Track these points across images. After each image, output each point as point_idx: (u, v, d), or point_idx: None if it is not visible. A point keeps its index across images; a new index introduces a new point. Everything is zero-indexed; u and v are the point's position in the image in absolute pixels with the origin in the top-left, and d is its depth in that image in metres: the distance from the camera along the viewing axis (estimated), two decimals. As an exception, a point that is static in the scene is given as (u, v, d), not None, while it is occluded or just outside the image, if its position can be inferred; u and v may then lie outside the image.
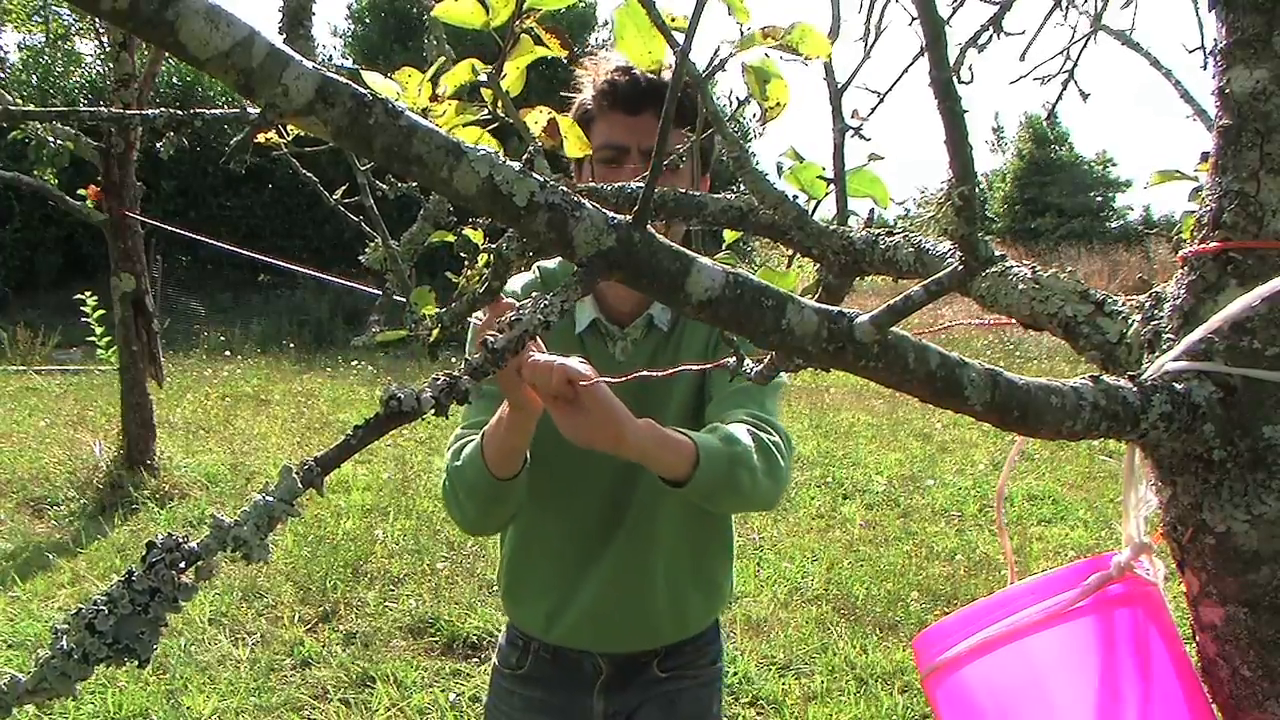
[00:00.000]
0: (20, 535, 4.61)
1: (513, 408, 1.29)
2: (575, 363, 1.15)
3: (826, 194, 0.75)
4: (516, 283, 1.55)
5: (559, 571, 1.55)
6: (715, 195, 0.76)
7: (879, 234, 0.72)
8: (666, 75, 1.34)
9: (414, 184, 0.74)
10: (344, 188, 0.87)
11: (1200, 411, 0.57)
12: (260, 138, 0.80)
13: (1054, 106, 1.34)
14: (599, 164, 1.42)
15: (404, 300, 0.81)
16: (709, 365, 1.11)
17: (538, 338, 1.26)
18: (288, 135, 0.84)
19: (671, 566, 1.53)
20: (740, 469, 1.28)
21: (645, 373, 1.17)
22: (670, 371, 1.16)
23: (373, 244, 0.81)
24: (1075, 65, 1.23)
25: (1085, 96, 1.29)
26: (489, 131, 0.73)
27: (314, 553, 4.25)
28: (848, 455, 6.43)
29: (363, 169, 0.78)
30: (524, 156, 0.50)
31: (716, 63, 0.65)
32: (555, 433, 1.43)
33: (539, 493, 1.51)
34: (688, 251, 0.46)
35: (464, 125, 0.72)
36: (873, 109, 0.78)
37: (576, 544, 1.55)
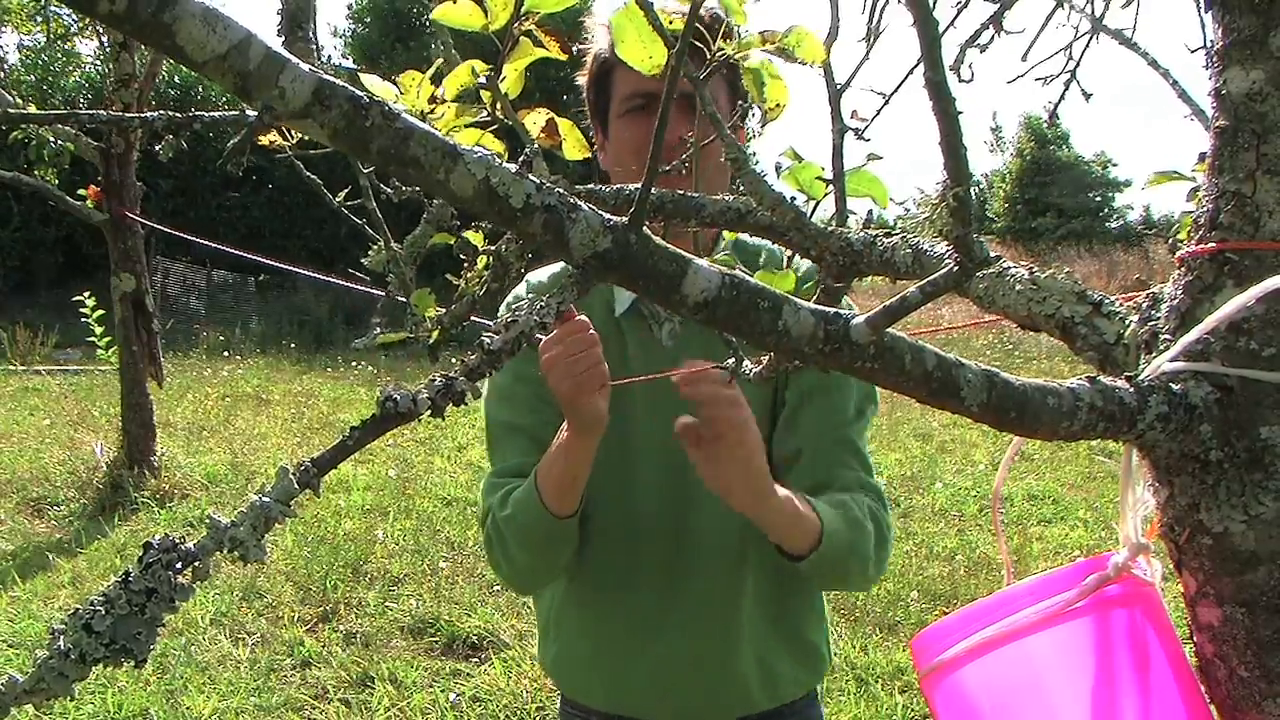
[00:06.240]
0: (20, 535, 4.61)
1: (577, 430, 1.13)
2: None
3: (826, 194, 0.76)
4: (545, 273, 1.39)
5: (617, 628, 1.31)
6: (714, 197, 0.76)
7: (877, 235, 0.72)
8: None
9: (417, 189, 0.74)
10: (346, 190, 0.87)
11: (1197, 412, 0.57)
12: (264, 140, 0.80)
13: (1056, 106, 1.34)
14: (627, 116, 1.24)
15: (405, 302, 0.81)
16: (709, 367, 1.11)
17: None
18: (291, 137, 0.84)
19: (753, 616, 1.29)
20: (853, 560, 1.17)
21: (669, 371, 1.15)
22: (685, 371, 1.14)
23: (375, 246, 0.81)
24: (1077, 65, 1.22)
25: (1088, 96, 1.29)
26: (491, 132, 0.73)
27: (314, 553, 4.25)
28: (848, 455, 6.41)
29: (365, 171, 0.78)
30: (521, 158, 0.50)
31: (714, 64, 0.65)
32: (598, 463, 1.24)
33: (585, 534, 1.30)
34: (684, 253, 0.46)
35: (464, 127, 0.72)
36: (877, 111, 0.78)
37: (635, 592, 1.30)
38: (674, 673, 1.28)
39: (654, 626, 1.29)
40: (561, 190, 0.44)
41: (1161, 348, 0.60)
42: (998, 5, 1.03)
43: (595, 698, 1.34)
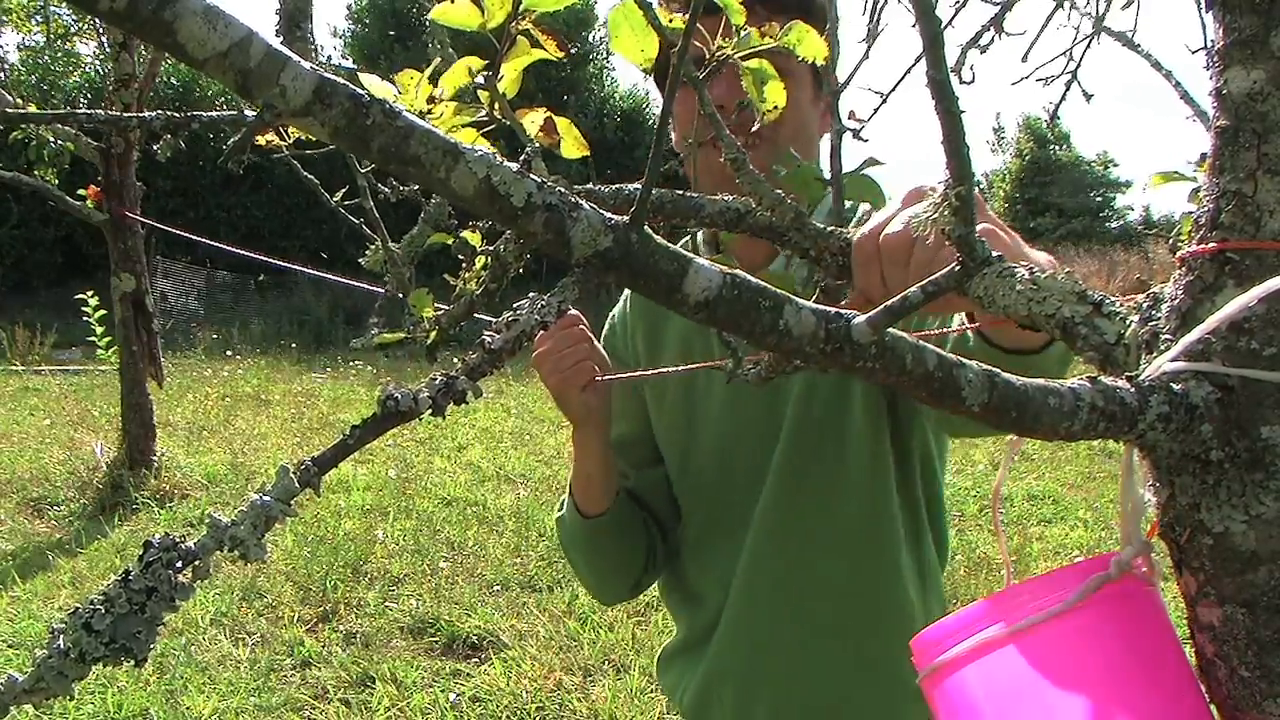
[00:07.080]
0: (20, 535, 4.61)
1: (574, 425, 1.15)
2: None
3: (823, 195, 0.76)
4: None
5: (696, 621, 1.26)
6: (713, 197, 0.76)
7: (877, 234, 0.72)
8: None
9: (415, 188, 0.74)
10: (344, 190, 0.87)
11: (1198, 412, 0.57)
12: (261, 139, 0.80)
13: (1057, 107, 1.34)
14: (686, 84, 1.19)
15: (403, 301, 0.81)
16: (703, 366, 1.10)
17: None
18: (288, 137, 0.84)
19: (826, 640, 1.18)
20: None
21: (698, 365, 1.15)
22: (694, 367, 1.14)
23: (372, 246, 0.81)
24: (1078, 66, 1.22)
25: (1089, 97, 1.28)
26: (485, 134, 0.73)
27: (314, 553, 4.25)
28: (848, 455, 6.40)
29: (362, 171, 0.78)
30: (522, 158, 0.50)
31: (714, 64, 0.65)
32: (672, 468, 1.23)
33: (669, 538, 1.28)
34: (685, 252, 0.46)
35: (462, 126, 0.72)
36: (875, 110, 0.78)
37: (698, 606, 1.25)
38: (731, 679, 1.20)
39: (720, 624, 1.21)
40: (562, 189, 0.44)
41: (1162, 348, 0.60)
42: (998, 6, 1.03)
43: (675, 694, 1.29)
